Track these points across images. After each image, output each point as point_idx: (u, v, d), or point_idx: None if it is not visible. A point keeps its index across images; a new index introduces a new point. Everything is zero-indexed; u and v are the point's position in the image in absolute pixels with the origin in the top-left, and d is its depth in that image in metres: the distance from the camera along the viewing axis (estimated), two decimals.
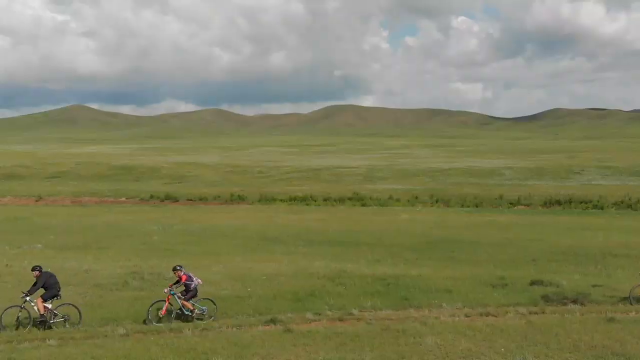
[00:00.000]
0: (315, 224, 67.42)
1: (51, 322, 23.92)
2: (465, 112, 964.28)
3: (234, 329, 24.34)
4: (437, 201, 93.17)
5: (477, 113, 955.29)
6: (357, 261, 41.75)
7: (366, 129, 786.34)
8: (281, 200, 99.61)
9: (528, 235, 56.50)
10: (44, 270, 24.39)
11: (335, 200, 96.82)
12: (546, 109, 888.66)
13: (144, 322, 24.96)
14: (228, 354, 20.50)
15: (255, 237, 56.27)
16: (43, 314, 23.89)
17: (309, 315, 26.27)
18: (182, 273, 25.06)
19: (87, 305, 27.93)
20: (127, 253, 46.52)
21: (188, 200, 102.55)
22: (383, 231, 59.52)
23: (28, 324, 23.91)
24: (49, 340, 22.25)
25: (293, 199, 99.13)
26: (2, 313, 23.77)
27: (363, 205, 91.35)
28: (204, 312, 25.26)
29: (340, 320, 25.78)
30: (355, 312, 26.72)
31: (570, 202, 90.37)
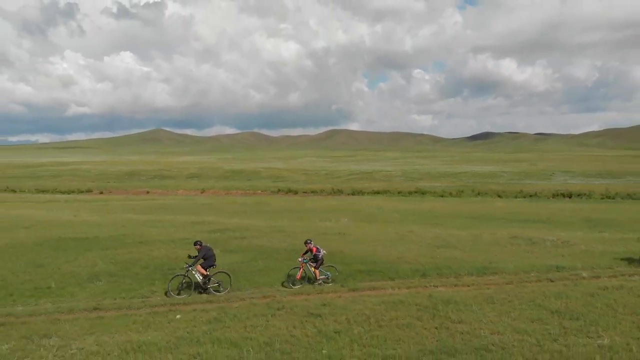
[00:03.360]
0: (467, 207, 63.50)
1: (208, 286, 22.08)
2: (421, 134, 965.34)
3: None
4: (478, 194, 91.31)
5: (429, 135, 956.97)
6: (589, 232, 38.79)
7: (358, 145, 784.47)
8: (368, 193, 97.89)
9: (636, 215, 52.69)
10: (203, 244, 22.32)
11: (406, 194, 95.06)
12: (477, 132, 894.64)
13: (282, 284, 22.95)
14: None
15: (466, 217, 52.32)
16: (202, 280, 22.04)
17: None
18: (312, 245, 23.03)
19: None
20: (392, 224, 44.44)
21: (304, 192, 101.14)
22: (535, 213, 55.04)
23: (189, 288, 22.14)
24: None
25: (377, 192, 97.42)
26: (170, 281, 22.19)
27: (441, 196, 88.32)
28: (328, 277, 23.32)
29: None
30: None
31: (570, 194, 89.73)
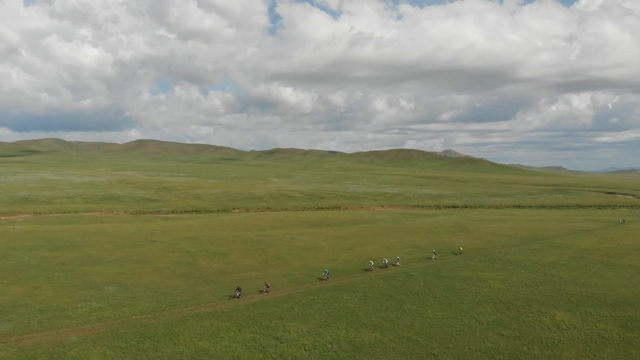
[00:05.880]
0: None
1: None
2: (225, 147, 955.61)
3: None
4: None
5: (233, 148, 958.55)
6: None
7: (168, 156, 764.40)
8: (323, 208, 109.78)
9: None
10: None
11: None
12: (273, 148, 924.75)
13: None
14: None
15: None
16: None
17: None
18: None
19: None
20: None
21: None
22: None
23: None
24: None
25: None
26: None
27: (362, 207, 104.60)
28: None
29: None
30: None
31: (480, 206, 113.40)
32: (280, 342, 30.85)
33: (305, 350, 29.72)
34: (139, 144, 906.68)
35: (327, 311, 37.49)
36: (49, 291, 41.92)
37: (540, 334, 33.35)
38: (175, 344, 30.38)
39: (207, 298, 40.74)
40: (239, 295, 40.76)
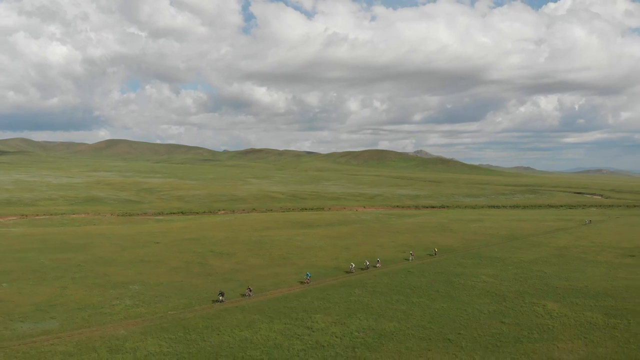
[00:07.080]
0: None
1: None
2: (197, 147, 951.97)
3: None
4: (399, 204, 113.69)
5: (205, 148, 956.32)
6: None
7: (139, 156, 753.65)
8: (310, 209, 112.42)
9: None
10: None
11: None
12: (246, 148, 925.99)
13: None
14: None
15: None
16: None
17: None
18: None
19: None
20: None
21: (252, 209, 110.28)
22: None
23: None
24: None
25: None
26: None
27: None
28: None
29: None
30: None
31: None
32: (312, 331, 34.58)
33: (336, 337, 33.56)
34: (109, 143, 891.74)
35: (344, 304, 41.37)
36: (79, 291, 44.48)
37: (536, 321, 37.98)
38: (219, 334, 33.75)
39: (229, 294, 44.02)
40: (222, 299, 41.50)
